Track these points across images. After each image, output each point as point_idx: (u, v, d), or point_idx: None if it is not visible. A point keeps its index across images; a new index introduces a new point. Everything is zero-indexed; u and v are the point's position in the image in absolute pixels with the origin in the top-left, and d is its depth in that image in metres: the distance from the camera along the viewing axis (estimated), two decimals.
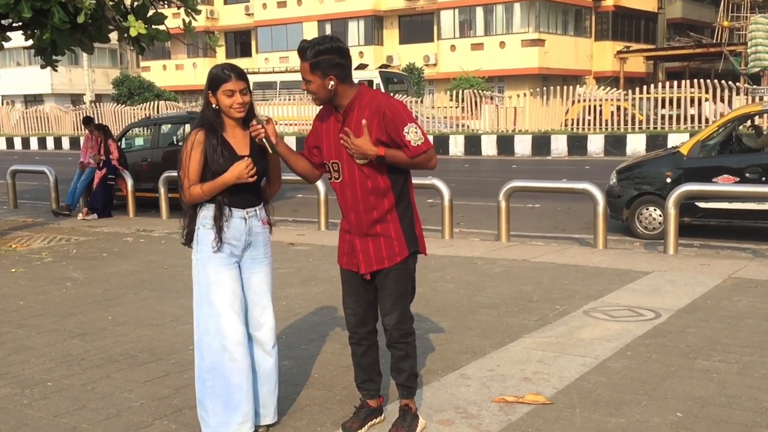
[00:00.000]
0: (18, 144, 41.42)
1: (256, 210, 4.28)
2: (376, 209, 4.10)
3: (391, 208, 4.12)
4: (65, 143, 39.27)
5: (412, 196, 4.26)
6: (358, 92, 4.08)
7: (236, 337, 4.16)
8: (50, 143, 40.07)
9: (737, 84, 26.84)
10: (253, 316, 4.32)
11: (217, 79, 4.12)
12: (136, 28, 10.61)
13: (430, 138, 27.57)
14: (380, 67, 37.92)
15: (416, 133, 3.99)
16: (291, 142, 28.02)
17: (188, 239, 4.31)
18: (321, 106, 4.22)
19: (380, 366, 4.43)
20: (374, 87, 31.55)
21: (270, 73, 39.56)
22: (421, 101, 31.99)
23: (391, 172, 4.09)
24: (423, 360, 5.43)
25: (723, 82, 25.87)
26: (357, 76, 34.61)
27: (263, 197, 4.37)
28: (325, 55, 3.96)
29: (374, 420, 4.38)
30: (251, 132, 4.12)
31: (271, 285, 4.39)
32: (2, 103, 55.67)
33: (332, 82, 3.99)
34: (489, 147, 27.87)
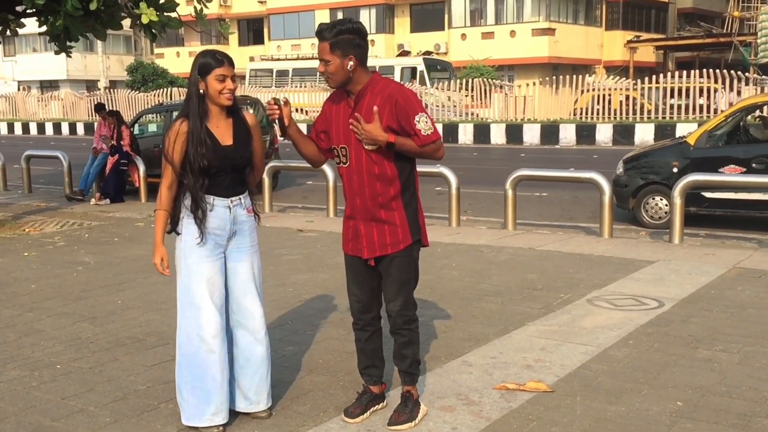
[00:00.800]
0: (33, 129, 41.58)
1: (240, 198, 4.26)
2: (382, 195, 4.13)
3: (397, 195, 4.15)
4: (80, 129, 39.39)
5: (417, 187, 4.29)
6: (371, 79, 4.11)
7: (213, 329, 4.16)
8: (65, 129, 40.20)
9: (746, 74, 26.72)
10: (243, 306, 4.31)
11: (208, 64, 4.09)
12: (148, 15, 10.66)
13: (439, 127, 27.21)
14: (424, 53, 37.74)
15: (426, 122, 4.03)
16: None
17: (173, 226, 4.24)
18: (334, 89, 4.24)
19: (383, 352, 4.47)
20: (417, 74, 31.32)
21: (311, 59, 36.85)
22: (459, 88, 31.71)
23: (398, 160, 4.12)
24: (426, 347, 5.48)
25: (732, 72, 25.76)
26: (400, 62, 34.68)
27: (247, 186, 4.33)
28: (346, 35, 3.98)
29: (376, 406, 4.43)
30: (267, 112, 4.11)
31: (258, 273, 4.37)
32: (19, 89, 55.85)
33: (351, 63, 4.00)
34: (498, 135, 27.84)
